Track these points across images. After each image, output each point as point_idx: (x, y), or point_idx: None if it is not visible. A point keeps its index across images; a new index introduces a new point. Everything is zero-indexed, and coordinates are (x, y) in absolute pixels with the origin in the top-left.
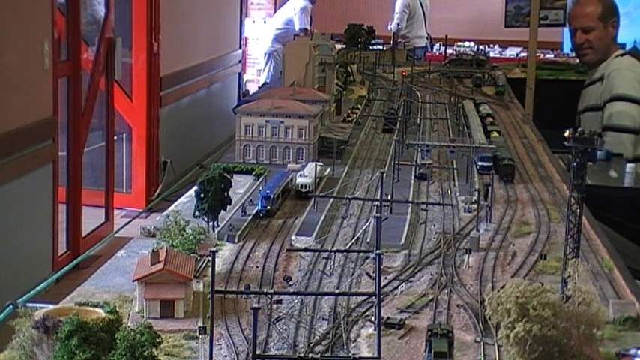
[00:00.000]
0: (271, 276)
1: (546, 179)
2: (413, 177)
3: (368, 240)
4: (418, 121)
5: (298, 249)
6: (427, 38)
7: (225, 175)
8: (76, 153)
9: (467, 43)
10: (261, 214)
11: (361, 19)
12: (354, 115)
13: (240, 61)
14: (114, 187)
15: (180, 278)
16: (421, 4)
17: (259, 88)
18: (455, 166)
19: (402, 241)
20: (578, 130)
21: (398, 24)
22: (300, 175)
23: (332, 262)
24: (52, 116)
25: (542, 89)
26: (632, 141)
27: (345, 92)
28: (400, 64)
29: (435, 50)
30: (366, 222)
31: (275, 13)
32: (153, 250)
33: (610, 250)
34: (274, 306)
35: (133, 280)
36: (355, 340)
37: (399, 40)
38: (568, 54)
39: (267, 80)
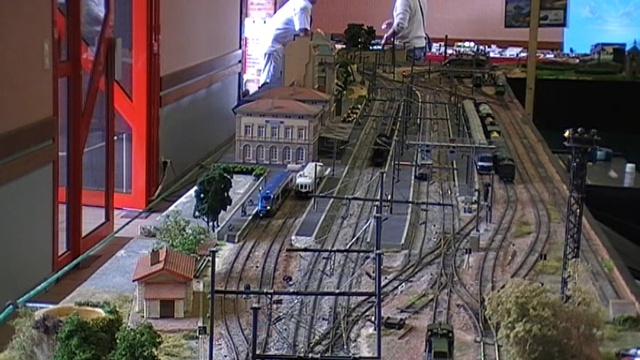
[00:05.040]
0: (271, 276)
1: (546, 179)
2: (413, 177)
3: (368, 240)
4: (418, 121)
5: (298, 249)
6: (425, 38)
7: (225, 175)
8: (76, 153)
9: (467, 43)
10: (261, 214)
11: (361, 19)
12: (354, 115)
13: (240, 61)
14: (114, 187)
15: (180, 278)
16: (419, 3)
17: (259, 88)
18: (455, 166)
19: (402, 241)
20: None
21: (400, 24)
22: (300, 175)
23: (332, 262)
24: (52, 116)
25: (542, 89)
26: None
27: (345, 92)
28: (400, 64)
29: (434, 50)
30: (366, 222)
31: (275, 13)
32: (153, 250)
33: (610, 250)
34: (274, 306)
35: (133, 280)
36: (355, 340)
37: (398, 42)
38: (568, 54)
39: (267, 80)
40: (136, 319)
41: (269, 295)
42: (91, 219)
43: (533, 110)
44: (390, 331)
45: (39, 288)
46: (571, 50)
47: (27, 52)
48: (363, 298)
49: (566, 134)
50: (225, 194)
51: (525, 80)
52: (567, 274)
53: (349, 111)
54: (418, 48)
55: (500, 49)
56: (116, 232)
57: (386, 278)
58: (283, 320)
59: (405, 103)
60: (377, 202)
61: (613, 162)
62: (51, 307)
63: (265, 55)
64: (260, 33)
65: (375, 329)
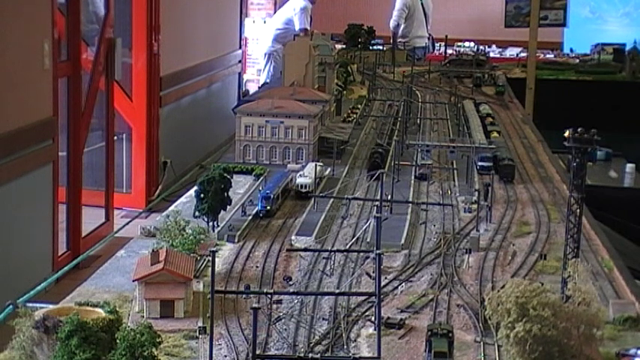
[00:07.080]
0: (271, 276)
1: (546, 179)
2: (413, 177)
3: (368, 240)
4: (418, 121)
5: (298, 249)
6: (429, 38)
7: (225, 175)
8: (76, 153)
9: (467, 43)
10: (261, 214)
11: (361, 19)
12: (354, 115)
13: (240, 61)
14: (114, 187)
15: (180, 278)
16: (422, 3)
17: (259, 88)
18: (455, 166)
19: (402, 241)
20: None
21: (394, 22)
22: (300, 175)
23: (332, 262)
24: (52, 116)
25: (542, 89)
26: None
27: (345, 92)
28: (400, 64)
29: (436, 50)
30: (366, 222)
31: (275, 13)
32: (153, 250)
33: (610, 250)
34: (274, 306)
35: (133, 280)
36: (355, 340)
37: (399, 40)
38: (568, 54)
39: (267, 80)
40: (136, 319)
41: (269, 295)
42: (91, 219)
43: (533, 110)
44: (390, 331)
45: (39, 288)
46: (571, 50)
47: (27, 52)
48: (363, 298)
49: (566, 134)
50: (225, 194)
51: (525, 80)
52: (567, 274)
53: (349, 111)
54: (419, 48)
55: (500, 49)
56: (116, 232)
57: (386, 278)
58: (283, 320)
59: (405, 103)
60: (377, 202)
61: (613, 162)
62: (51, 307)
63: (265, 55)
64: (260, 33)
65: (375, 329)
